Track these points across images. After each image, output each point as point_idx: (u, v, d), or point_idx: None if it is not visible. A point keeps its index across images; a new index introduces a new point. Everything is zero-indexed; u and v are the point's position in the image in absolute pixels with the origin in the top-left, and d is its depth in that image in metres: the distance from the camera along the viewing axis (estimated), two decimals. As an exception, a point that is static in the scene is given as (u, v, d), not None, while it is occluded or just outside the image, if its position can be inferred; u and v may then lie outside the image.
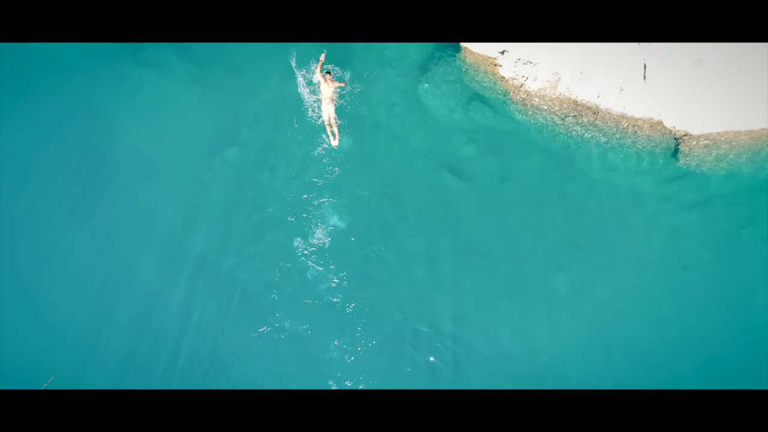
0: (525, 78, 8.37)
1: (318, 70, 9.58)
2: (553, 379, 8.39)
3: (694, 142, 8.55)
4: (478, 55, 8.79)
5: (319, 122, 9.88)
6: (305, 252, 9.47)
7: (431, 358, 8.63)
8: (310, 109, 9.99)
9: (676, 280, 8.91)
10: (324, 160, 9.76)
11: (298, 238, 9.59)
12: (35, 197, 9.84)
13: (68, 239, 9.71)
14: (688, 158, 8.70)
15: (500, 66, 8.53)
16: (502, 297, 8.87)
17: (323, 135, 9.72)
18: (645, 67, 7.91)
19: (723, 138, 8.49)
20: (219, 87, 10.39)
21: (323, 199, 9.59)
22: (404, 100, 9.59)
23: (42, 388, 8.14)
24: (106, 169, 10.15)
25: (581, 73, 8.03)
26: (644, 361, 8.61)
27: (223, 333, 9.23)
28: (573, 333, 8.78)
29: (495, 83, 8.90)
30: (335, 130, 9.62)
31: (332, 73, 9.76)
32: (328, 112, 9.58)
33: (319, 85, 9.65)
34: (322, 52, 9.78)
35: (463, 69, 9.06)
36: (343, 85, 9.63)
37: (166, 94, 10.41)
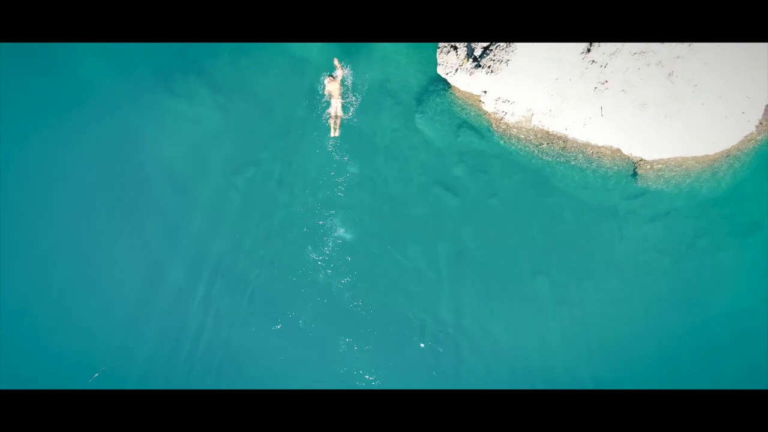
0: (504, 113, 9.89)
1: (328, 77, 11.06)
2: (535, 366, 9.65)
3: (649, 166, 10.00)
4: (464, 92, 10.35)
5: (324, 118, 11.25)
6: (317, 258, 10.78)
7: (422, 344, 9.92)
8: (324, 136, 11.44)
9: (640, 283, 10.21)
10: (336, 179, 11.16)
11: (310, 246, 10.91)
12: (79, 208, 11.17)
13: (106, 244, 11.01)
14: (646, 179, 10.13)
15: (483, 102, 10.06)
16: (490, 295, 10.18)
17: (329, 140, 11.18)
18: (601, 108, 9.43)
19: (673, 162, 9.95)
20: (240, 114, 11.83)
21: (333, 212, 10.96)
22: (403, 127, 11.08)
23: (92, 379, 9.27)
24: (141, 184, 11.53)
25: (550, 110, 9.55)
26: (612, 353, 9.85)
27: (243, 328, 10.46)
28: (551, 328, 10.04)
29: (480, 115, 10.42)
30: (338, 123, 10.99)
31: (334, 75, 11.11)
32: (335, 106, 10.97)
33: (326, 86, 11.11)
34: (333, 67, 11.16)
35: (453, 102, 10.59)
36: (344, 73, 11.02)
37: (195, 119, 11.86)
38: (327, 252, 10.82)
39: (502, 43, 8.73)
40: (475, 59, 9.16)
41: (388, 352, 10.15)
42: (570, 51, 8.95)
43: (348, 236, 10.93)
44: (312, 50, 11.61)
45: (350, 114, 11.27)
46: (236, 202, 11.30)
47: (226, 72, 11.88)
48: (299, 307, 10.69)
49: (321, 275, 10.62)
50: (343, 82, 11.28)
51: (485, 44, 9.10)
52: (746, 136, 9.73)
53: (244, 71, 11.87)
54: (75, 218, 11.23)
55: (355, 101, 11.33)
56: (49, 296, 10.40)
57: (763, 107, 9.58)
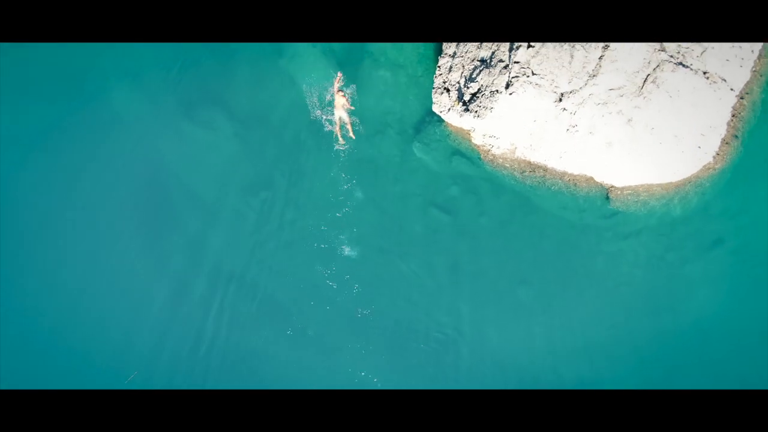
0: (491, 146, 11.21)
1: (335, 88, 12.17)
2: (524, 366, 10.77)
3: (619, 192, 11.29)
4: (456, 126, 11.70)
5: (327, 128, 12.45)
6: (325, 270, 11.92)
7: (422, 345, 11.03)
8: (330, 160, 12.69)
9: (615, 294, 11.36)
10: (339, 197, 12.36)
11: (318, 264, 12.05)
12: (110, 225, 12.32)
13: (133, 257, 12.12)
14: (618, 202, 11.39)
15: (472, 136, 11.40)
16: (482, 302, 11.32)
17: (335, 147, 12.44)
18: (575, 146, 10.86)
19: (641, 188, 11.24)
20: (255, 140, 13.03)
21: (339, 228, 12.14)
22: (402, 153, 12.35)
23: (128, 380, 10.29)
24: (164, 202, 12.70)
25: (531, 145, 10.91)
26: (592, 355, 10.91)
27: (255, 333, 11.54)
28: (537, 333, 11.14)
29: (470, 146, 11.72)
30: (341, 133, 12.17)
31: (343, 90, 12.26)
32: (340, 116, 12.16)
33: (333, 99, 12.25)
34: (336, 76, 12.29)
35: (446, 134, 11.90)
36: (347, 94, 12.24)
37: (213, 144, 13.08)
38: (334, 266, 11.94)
39: (487, 92, 10.11)
40: (464, 103, 10.54)
41: (391, 354, 11.21)
42: (544, 100, 10.34)
43: (353, 251, 12.06)
44: (320, 83, 12.91)
45: (354, 127, 12.42)
46: (251, 219, 12.45)
47: (242, 102, 13.16)
48: (308, 315, 11.77)
49: (330, 284, 11.75)
50: (349, 95, 12.44)
51: (474, 91, 10.47)
52: (705, 166, 11.03)
53: (258, 102, 13.14)
54: (107, 234, 12.37)
55: (357, 122, 12.54)
56: (87, 304, 11.50)
57: (719, 141, 10.93)
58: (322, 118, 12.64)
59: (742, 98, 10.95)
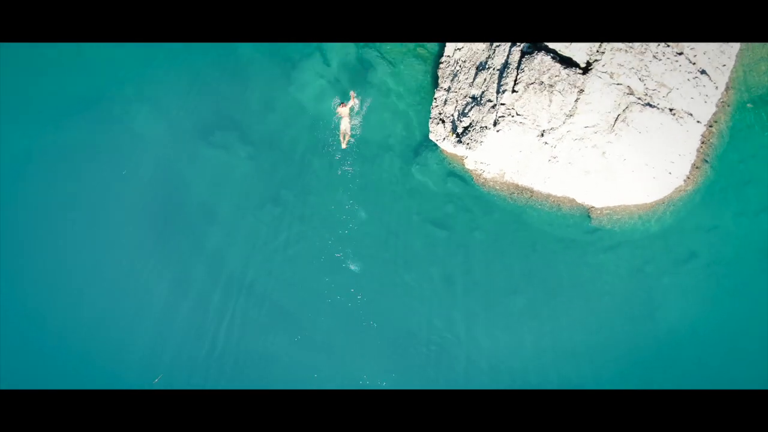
0: (482, 170, 12.35)
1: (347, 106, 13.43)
2: (514, 368, 11.81)
3: (599, 211, 12.41)
4: (450, 153, 12.92)
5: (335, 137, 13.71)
6: (331, 281, 12.97)
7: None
8: (337, 182, 13.79)
9: (599, 302, 12.39)
10: (343, 217, 13.44)
11: (325, 276, 13.09)
12: (133, 239, 13.38)
13: (152, 269, 13.17)
14: (598, 220, 12.48)
15: (465, 162, 12.55)
16: (475, 310, 12.35)
17: (342, 166, 13.60)
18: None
19: (618, 208, 12.35)
20: (266, 161, 14.10)
21: (345, 243, 13.22)
22: (402, 175, 13.43)
23: (155, 381, 11.35)
24: (183, 220, 13.77)
25: (518, 171, 12.06)
26: (577, 358, 11.91)
27: (267, 339, 12.57)
28: (525, 339, 12.16)
29: (463, 170, 12.86)
30: (346, 138, 13.33)
31: (345, 103, 13.44)
32: (344, 125, 13.34)
33: (337, 109, 13.47)
34: (347, 97, 13.56)
35: (442, 158, 13.03)
36: (354, 103, 13.41)
37: (228, 165, 14.18)
38: (340, 277, 13.00)
39: (477, 127, 11.29)
40: (457, 135, 11.72)
41: (393, 357, 12.23)
42: (528, 135, 11.53)
43: (358, 263, 13.13)
44: (327, 109, 14.06)
45: (356, 132, 13.52)
46: (263, 233, 13.51)
47: (255, 127, 14.30)
48: (316, 322, 12.79)
49: (336, 296, 12.81)
50: (351, 110, 13.57)
51: (466, 124, 11.64)
52: (677, 188, 12.15)
53: (270, 125, 14.28)
54: (129, 247, 13.43)
55: (358, 127, 13.61)
56: (116, 314, 12.56)
57: (689, 166, 12.06)
58: (328, 140, 13.79)
59: (710, 126, 12.12)
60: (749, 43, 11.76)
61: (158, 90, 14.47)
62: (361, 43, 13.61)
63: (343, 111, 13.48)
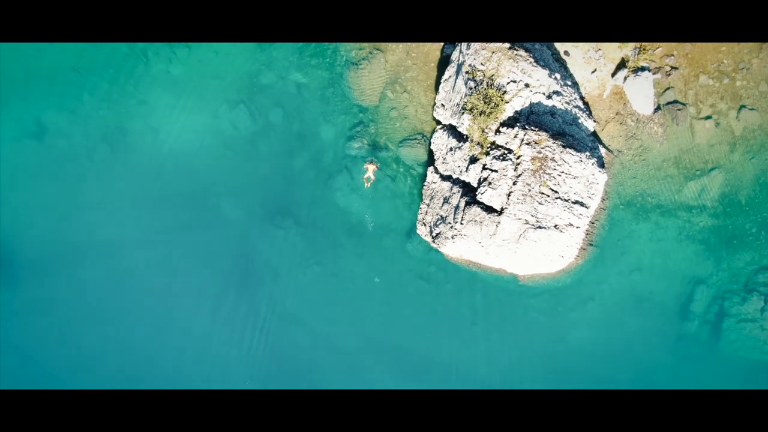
0: (449, 252, 19.27)
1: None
2: (477, 374, 18.69)
3: (523, 276, 19.39)
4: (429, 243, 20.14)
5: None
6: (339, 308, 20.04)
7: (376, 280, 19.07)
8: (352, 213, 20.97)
9: (527, 330, 19.19)
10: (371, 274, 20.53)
11: (337, 306, 20.11)
12: (218, 293, 20.65)
13: (237, 315, 20.38)
14: (524, 280, 19.39)
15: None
16: (449, 333, 19.33)
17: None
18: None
19: (541, 275, 19.28)
20: (316, 240, 21.33)
21: (376, 286, 20.34)
22: (400, 249, 20.53)
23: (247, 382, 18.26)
24: (253, 279, 20.99)
25: (470, 254, 19.05)
26: (511, 367, 18.69)
27: (281, 346, 19.63)
28: (481, 354, 19.04)
29: (438, 250, 19.76)
30: (370, 182, 20.32)
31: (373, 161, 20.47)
32: (368, 175, 20.28)
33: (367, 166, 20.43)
34: (373, 163, 20.50)
35: (425, 242, 20.12)
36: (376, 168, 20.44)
37: (285, 240, 21.38)
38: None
39: (442, 237, 18.29)
40: (432, 238, 18.81)
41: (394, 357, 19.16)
42: (471, 245, 18.23)
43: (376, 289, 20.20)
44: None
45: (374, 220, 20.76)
46: (314, 284, 20.63)
47: (304, 215, 21.50)
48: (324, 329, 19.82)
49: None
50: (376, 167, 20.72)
51: (436, 233, 18.66)
52: (571, 263, 18.97)
53: (315, 215, 21.45)
54: (216, 296, 20.69)
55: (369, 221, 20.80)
56: (167, 324, 19.73)
57: (577, 249, 18.90)
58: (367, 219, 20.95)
59: (593, 223, 19.22)
60: (613, 170, 19.05)
61: (242, 186, 21.83)
62: (382, 165, 21.10)
63: (370, 168, 20.29)
